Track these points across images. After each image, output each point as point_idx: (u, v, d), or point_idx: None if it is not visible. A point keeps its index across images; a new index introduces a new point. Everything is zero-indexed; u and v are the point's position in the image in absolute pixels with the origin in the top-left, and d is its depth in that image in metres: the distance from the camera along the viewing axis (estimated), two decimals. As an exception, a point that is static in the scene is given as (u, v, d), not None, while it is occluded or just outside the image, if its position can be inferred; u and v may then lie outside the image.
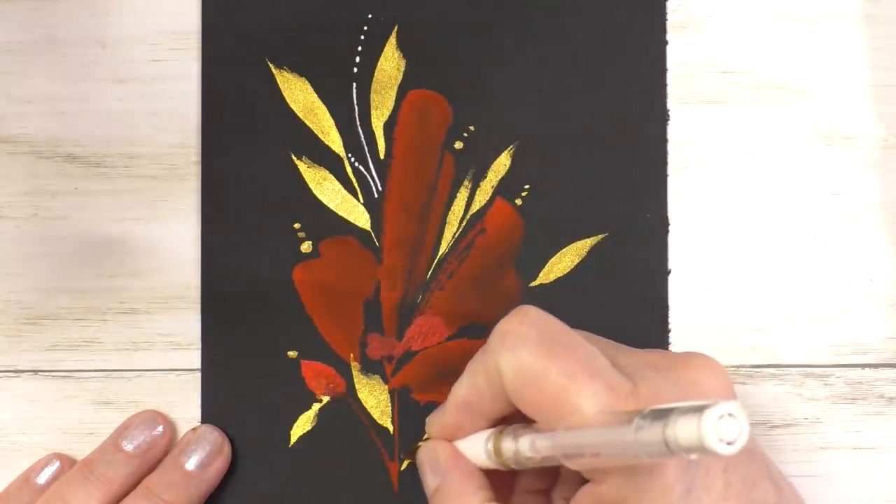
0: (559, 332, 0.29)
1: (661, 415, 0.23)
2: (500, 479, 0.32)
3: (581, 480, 0.29)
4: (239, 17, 0.38)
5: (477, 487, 0.31)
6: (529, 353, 0.29)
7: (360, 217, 0.37)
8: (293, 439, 0.37)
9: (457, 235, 0.37)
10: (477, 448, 0.31)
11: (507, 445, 0.30)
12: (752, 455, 0.29)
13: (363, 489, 0.37)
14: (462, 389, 0.31)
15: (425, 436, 0.35)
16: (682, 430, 0.22)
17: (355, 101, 0.38)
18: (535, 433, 0.29)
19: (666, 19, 0.37)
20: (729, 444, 0.22)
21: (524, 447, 0.29)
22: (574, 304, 0.37)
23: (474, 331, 0.37)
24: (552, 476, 0.33)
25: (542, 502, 0.33)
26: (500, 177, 0.37)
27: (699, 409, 0.22)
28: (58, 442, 0.38)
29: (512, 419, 0.31)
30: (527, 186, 0.37)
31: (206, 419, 0.37)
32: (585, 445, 0.26)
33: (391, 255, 0.37)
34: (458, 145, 0.37)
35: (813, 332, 0.37)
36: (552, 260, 0.37)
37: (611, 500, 0.27)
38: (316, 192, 0.37)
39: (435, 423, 0.33)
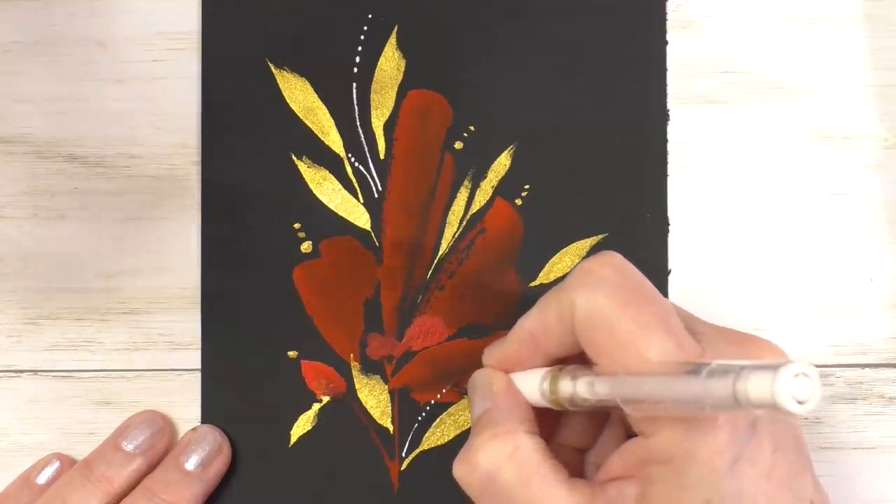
0: (640, 282, 0.29)
1: (732, 369, 0.23)
2: (545, 423, 0.32)
3: (621, 442, 0.29)
4: (239, 17, 0.38)
5: (524, 418, 0.30)
6: (607, 295, 0.28)
7: (360, 217, 0.37)
8: (293, 439, 0.37)
9: (457, 235, 0.37)
10: (532, 383, 0.31)
11: (565, 385, 0.30)
12: (800, 448, 0.28)
13: (363, 489, 0.37)
14: (529, 322, 0.31)
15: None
16: (755, 384, 0.22)
17: (355, 101, 0.38)
18: (595, 375, 0.29)
19: (666, 19, 0.37)
20: (800, 403, 0.22)
21: (582, 388, 0.29)
22: (574, 304, 0.37)
23: (474, 331, 0.37)
24: (591, 436, 0.33)
25: (577, 460, 0.33)
26: (500, 177, 0.37)
27: (773, 367, 0.22)
28: (58, 442, 0.38)
29: (571, 361, 0.30)
30: (527, 186, 0.37)
31: (206, 419, 0.37)
32: (647, 392, 0.26)
33: (391, 255, 0.37)
34: (458, 145, 0.37)
35: (813, 332, 0.37)
36: (552, 260, 0.37)
37: (657, 456, 0.27)
38: (316, 192, 0.37)
39: (494, 353, 0.33)
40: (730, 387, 0.22)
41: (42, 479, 0.36)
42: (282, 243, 0.37)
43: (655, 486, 0.27)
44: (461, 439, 0.37)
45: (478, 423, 0.31)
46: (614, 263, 0.29)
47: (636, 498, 0.28)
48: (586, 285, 0.29)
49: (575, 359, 0.30)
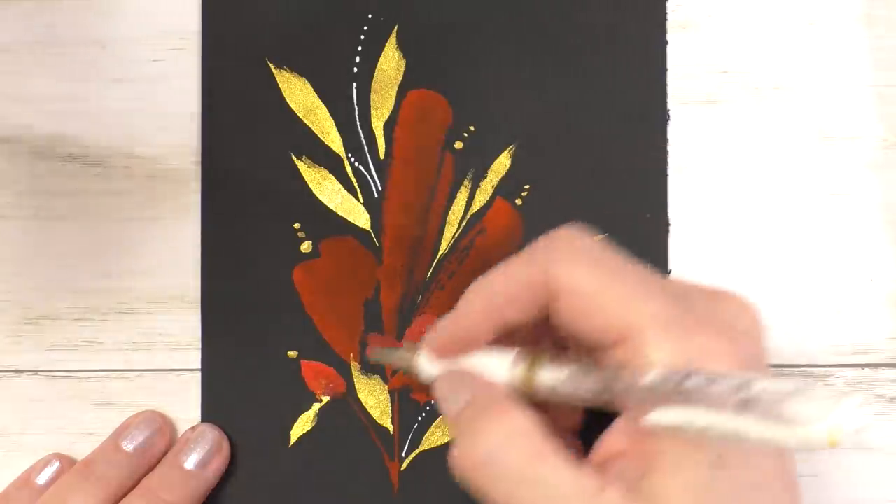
0: (614, 254, 0.28)
1: (781, 394, 0.22)
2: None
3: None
4: (239, 17, 0.38)
5: (517, 402, 0.28)
6: (589, 267, 0.27)
7: (360, 217, 0.37)
8: (293, 439, 0.37)
9: (457, 235, 0.37)
10: (497, 370, 0.29)
11: (549, 375, 0.27)
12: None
13: (363, 489, 0.37)
14: (497, 289, 0.29)
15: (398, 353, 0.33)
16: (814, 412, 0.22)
17: (355, 101, 0.38)
18: (591, 367, 0.27)
19: (666, 19, 0.37)
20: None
21: (566, 379, 0.27)
22: (574, 304, 0.37)
23: (474, 331, 0.37)
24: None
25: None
26: (500, 177, 0.37)
27: (833, 397, 0.22)
28: (58, 442, 0.38)
29: (520, 333, 0.29)
30: (527, 186, 0.37)
31: (206, 419, 0.37)
32: (666, 398, 0.25)
33: (391, 255, 0.37)
34: (458, 145, 0.37)
35: (813, 332, 0.37)
36: (552, 260, 0.37)
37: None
38: (316, 192, 0.37)
39: (447, 329, 0.30)
40: (780, 414, 0.22)
41: (42, 479, 0.36)
42: (282, 243, 0.37)
43: (662, 457, 0.26)
44: (461, 439, 0.37)
45: (465, 414, 0.29)
46: (582, 235, 0.29)
47: (643, 473, 0.27)
48: (567, 257, 0.28)
49: (526, 330, 0.29)
